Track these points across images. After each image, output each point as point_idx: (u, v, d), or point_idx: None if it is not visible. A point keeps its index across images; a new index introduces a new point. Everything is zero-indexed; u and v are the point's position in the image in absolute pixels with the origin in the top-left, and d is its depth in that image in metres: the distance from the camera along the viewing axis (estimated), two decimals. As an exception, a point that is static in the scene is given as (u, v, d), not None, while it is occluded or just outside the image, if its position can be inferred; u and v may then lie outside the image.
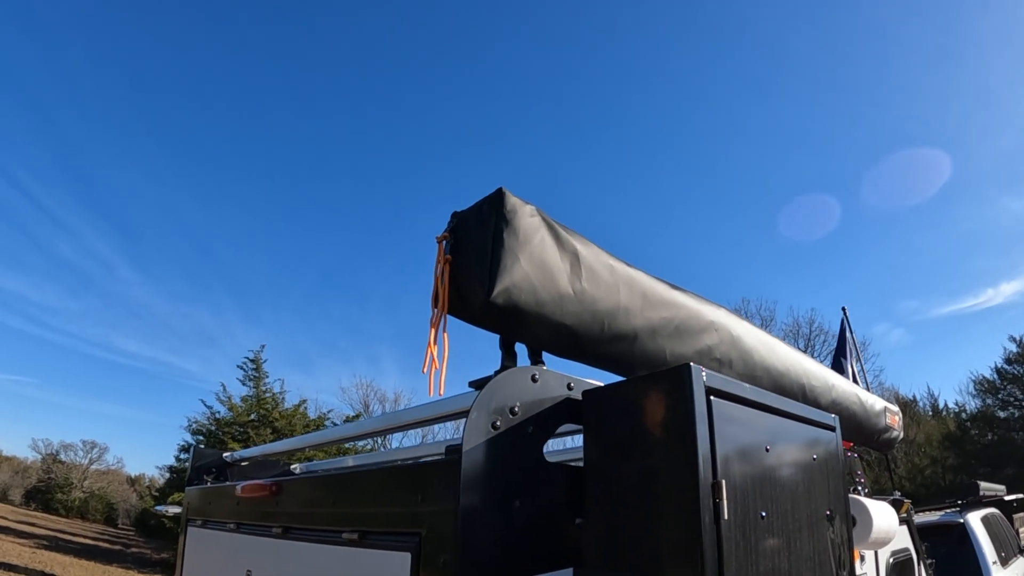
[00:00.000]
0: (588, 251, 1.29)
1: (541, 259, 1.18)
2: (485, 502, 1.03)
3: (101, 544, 22.90)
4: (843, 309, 7.66)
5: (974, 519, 5.28)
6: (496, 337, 1.25)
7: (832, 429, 1.71)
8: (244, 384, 15.84)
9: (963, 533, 5.13)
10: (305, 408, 16.19)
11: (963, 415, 21.40)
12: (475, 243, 1.17)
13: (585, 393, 1.23)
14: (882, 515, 2.50)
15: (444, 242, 1.19)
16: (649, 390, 1.14)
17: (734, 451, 1.18)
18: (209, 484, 2.67)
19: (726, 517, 1.09)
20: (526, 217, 1.19)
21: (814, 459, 1.56)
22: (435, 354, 1.06)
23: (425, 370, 1.05)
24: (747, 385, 1.29)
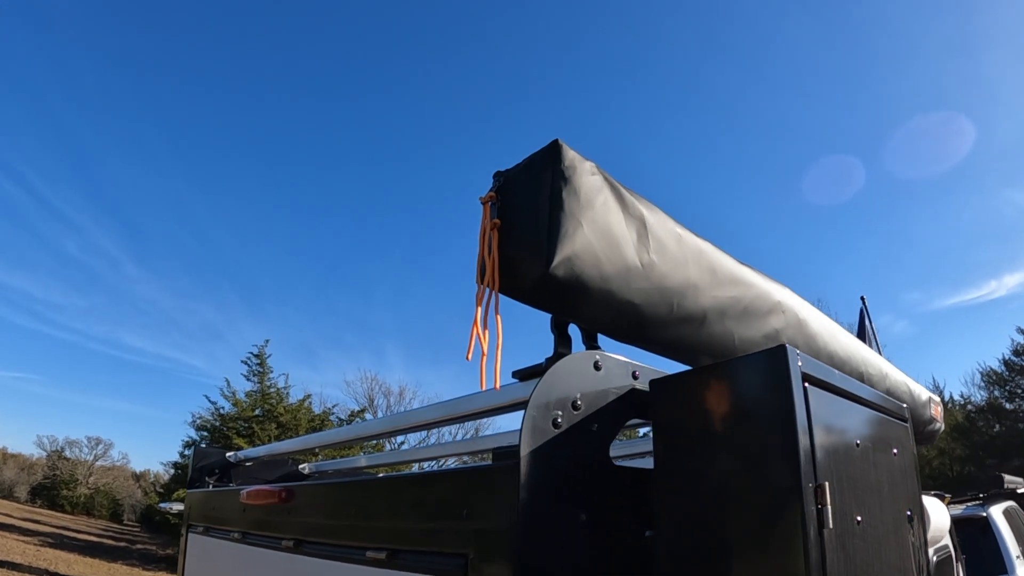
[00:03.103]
0: (655, 217, 1.09)
1: (605, 225, 0.99)
2: (548, 517, 0.85)
3: (106, 541, 22.85)
4: (862, 299, 7.49)
5: (996, 512, 5.15)
6: (540, 320, 1.06)
7: (905, 421, 1.52)
8: (248, 379, 15.69)
9: (986, 526, 5.01)
10: (310, 403, 16.05)
11: (969, 406, 21.27)
12: (528, 205, 0.98)
13: (654, 383, 1.04)
14: (938, 512, 2.36)
15: (490, 204, 1.00)
16: (736, 377, 0.95)
17: (831, 447, 1.00)
18: (212, 487, 2.49)
19: (831, 526, 0.91)
20: (587, 175, 1.00)
21: (895, 454, 1.38)
22: (483, 338, 0.87)
23: (470, 357, 0.85)
24: (836, 371, 1.11)
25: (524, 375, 1.02)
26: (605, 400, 0.98)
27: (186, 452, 16.39)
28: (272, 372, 15.76)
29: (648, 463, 1.13)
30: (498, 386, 0.87)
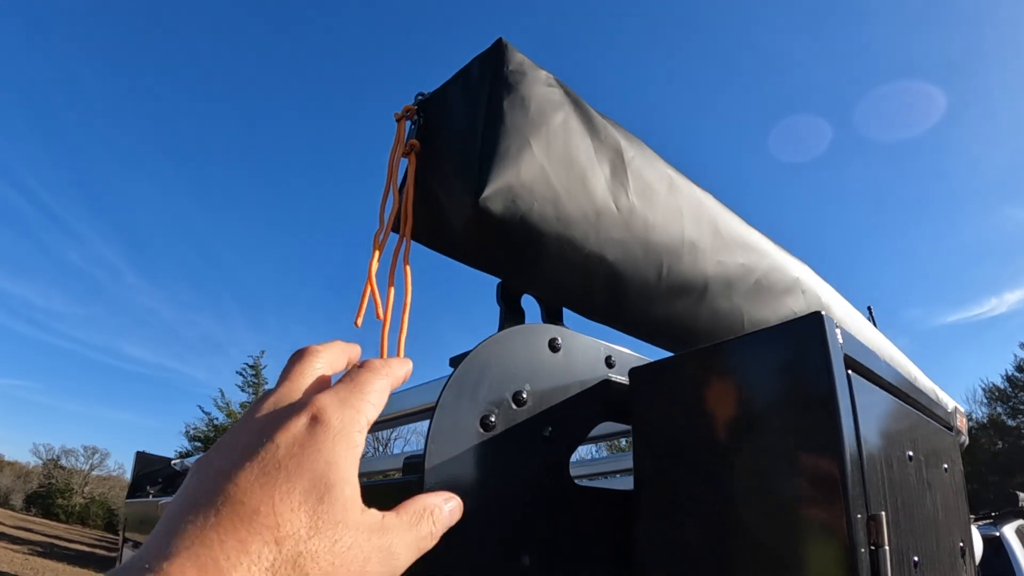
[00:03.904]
0: (636, 150, 0.82)
1: (565, 150, 0.72)
2: (469, 562, 0.57)
3: (98, 551, 22.49)
4: (869, 309, 7.21)
5: (1010, 531, 4.92)
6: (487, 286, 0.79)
7: (951, 429, 1.23)
8: (243, 390, 15.43)
9: (999, 546, 4.78)
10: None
11: (971, 423, 21.03)
12: (458, 121, 0.71)
13: (636, 372, 0.76)
14: (977, 539, 2.07)
15: (407, 123, 0.73)
16: (751, 360, 0.67)
17: (884, 462, 0.72)
18: (151, 496, 2.23)
19: (888, 574, 0.62)
20: (539, 84, 0.73)
21: (945, 470, 1.09)
22: (378, 297, 0.59)
23: (360, 323, 0.57)
24: (882, 358, 0.83)
25: (459, 361, 0.74)
26: (565, 394, 0.71)
27: (178, 461, 16.06)
28: (267, 383, 15.48)
29: (626, 483, 0.85)
30: (402, 356, 0.58)
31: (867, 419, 0.68)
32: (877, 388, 0.77)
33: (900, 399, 0.89)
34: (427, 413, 0.97)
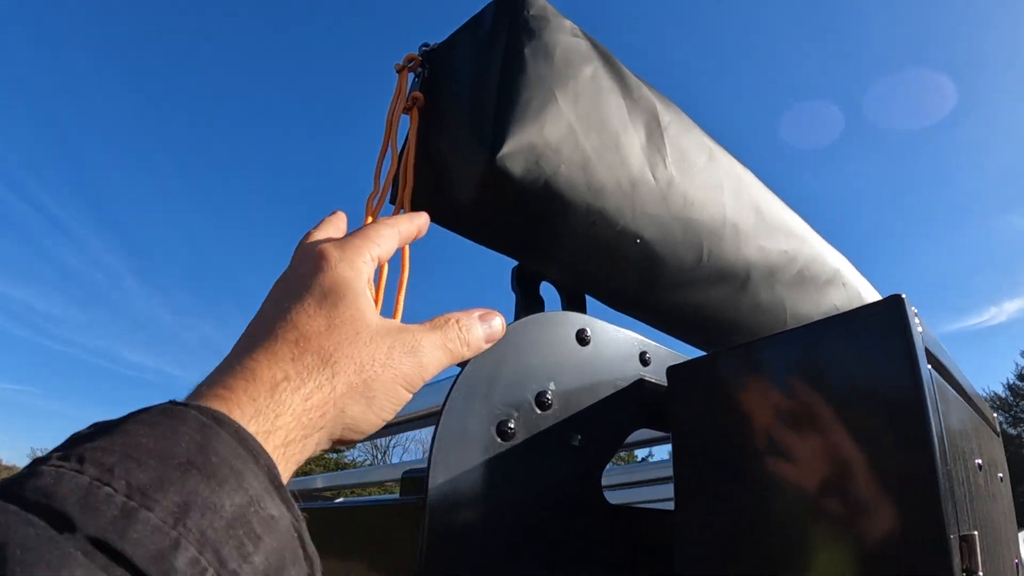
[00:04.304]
0: (672, 115, 0.71)
1: (595, 108, 0.61)
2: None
3: (92, 556, 22.21)
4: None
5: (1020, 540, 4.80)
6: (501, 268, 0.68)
7: (999, 435, 1.13)
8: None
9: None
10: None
11: (973, 431, 21.00)
12: (470, 72, 0.60)
13: (675, 371, 0.65)
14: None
15: (410, 76, 0.62)
16: (817, 355, 0.56)
17: (967, 472, 0.61)
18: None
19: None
20: (565, 34, 0.62)
21: (1001, 480, 0.98)
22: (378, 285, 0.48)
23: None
24: (950, 353, 0.72)
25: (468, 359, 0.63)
26: (595, 396, 0.59)
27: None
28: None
29: (663, 497, 0.74)
30: None
31: (949, 424, 0.58)
32: (948, 386, 0.67)
33: (965, 399, 0.78)
34: (428, 419, 0.85)
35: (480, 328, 0.40)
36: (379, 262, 0.39)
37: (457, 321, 0.39)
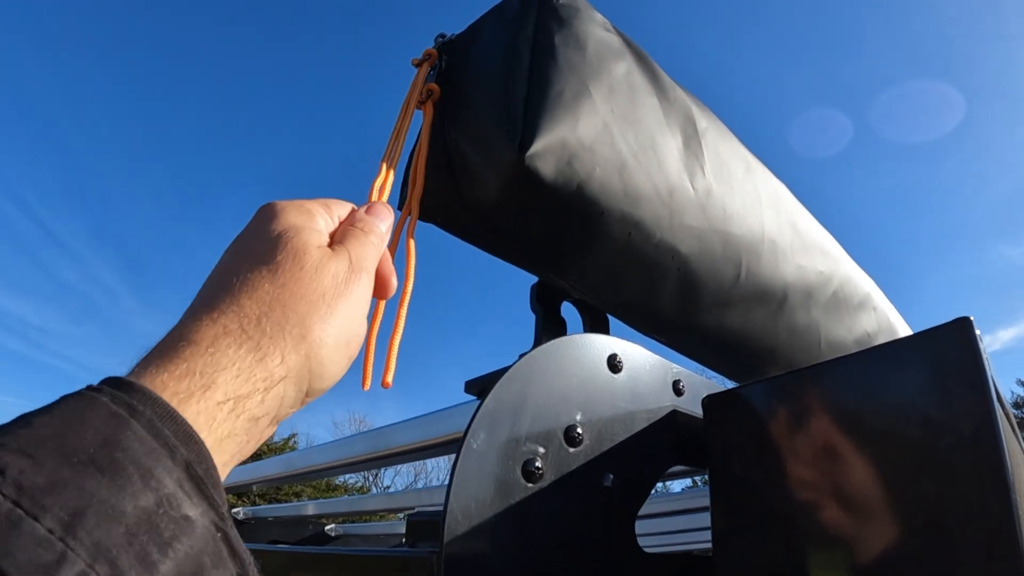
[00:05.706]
0: (709, 121, 0.65)
1: (631, 108, 0.55)
2: None
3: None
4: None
5: None
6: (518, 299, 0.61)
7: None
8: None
9: None
10: (295, 442, 15.41)
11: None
12: (493, 61, 0.54)
13: (713, 401, 0.58)
14: None
15: (429, 68, 0.56)
16: (876, 382, 0.50)
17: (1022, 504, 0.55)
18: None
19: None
20: (597, 27, 0.57)
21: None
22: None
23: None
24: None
25: (481, 387, 0.56)
26: (628, 430, 0.53)
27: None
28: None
29: (680, 528, 0.67)
30: (389, 381, 0.39)
31: (1011, 454, 0.52)
32: (1003, 415, 0.61)
33: (1010, 423, 0.72)
34: (427, 451, 0.78)
35: (374, 223, 0.38)
36: (337, 221, 0.36)
37: (361, 226, 0.37)
